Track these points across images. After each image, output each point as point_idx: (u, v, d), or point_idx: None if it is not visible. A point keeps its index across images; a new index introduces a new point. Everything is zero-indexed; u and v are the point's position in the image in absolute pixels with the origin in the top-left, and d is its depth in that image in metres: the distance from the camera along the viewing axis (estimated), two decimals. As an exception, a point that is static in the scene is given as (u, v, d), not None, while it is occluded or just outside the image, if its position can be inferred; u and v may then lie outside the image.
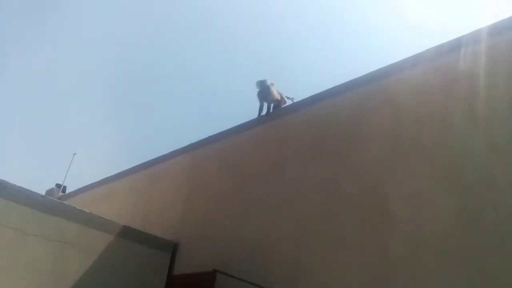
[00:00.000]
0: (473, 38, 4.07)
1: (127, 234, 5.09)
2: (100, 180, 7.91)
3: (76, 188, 8.51)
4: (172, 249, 5.40)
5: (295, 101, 5.78)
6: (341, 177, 4.33)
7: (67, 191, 8.93)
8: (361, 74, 4.72)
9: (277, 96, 5.67)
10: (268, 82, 5.75)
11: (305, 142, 4.87)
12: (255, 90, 5.81)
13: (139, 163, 7.50)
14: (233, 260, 4.61)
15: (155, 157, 7.28)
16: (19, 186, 4.40)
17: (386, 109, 4.34)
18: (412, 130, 4.09)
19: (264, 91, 5.68)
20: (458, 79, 3.99)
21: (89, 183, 8.15)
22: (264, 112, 5.71)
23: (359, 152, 4.33)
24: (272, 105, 5.69)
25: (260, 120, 5.71)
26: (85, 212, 4.78)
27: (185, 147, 6.76)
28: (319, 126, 4.85)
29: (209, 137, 6.31)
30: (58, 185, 8.84)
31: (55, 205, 4.73)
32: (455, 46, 4.12)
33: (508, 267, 3.07)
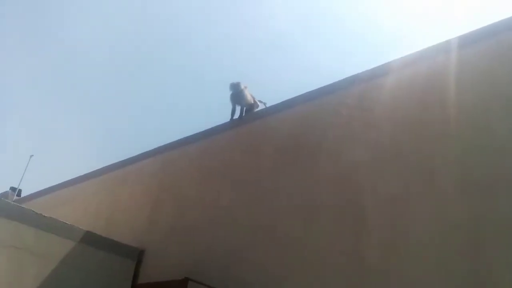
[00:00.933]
0: (445, 47, 4.13)
1: (90, 240, 4.81)
2: (60, 184, 7.52)
3: (33, 192, 8.06)
4: (137, 256, 5.15)
5: (267, 105, 5.70)
6: (317, 183, 4.25)
7: (23, 194, 8.46)
8: (336, 80, 4.68)
9: (251, 100, 5.56)
10: (242, 85, 5.63)
11: (280, 147, 4.77)
12: (226, 92, 5.69)
13: (103, 166, 7.21)
14: (205, 268, 4.43)
15: (120, 160, 7.01)
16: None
17: (362, 115, 4.31)
18: (388, 136, 4.08)
19: (237, 94, 5.55)
20: (434, 85, 4.01)
21: (48, 186, 7.72)
22: (236, 115, 5.58)
23: (335, 158, 4.27)
24: (244, 109, 5.58)
25: (232, 124, 5.57)
26: (44, 216, 4.48)
27: (153, 150, 6.52)
28: (294, 131, 4.76)
29: (179, 140, 6.11)
30: (12, 189, 8.37)
31: (11, 208, 4.40)
32: (430, 53, 4.16)
33: (485, 273, 3.06)
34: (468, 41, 4.01)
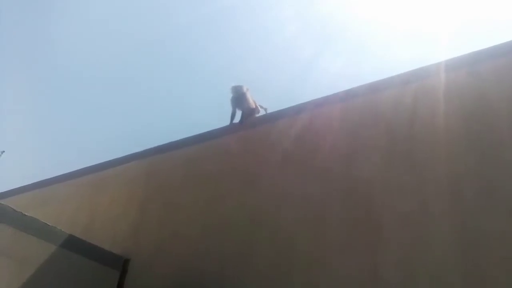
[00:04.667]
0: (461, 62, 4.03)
1: (72, 245, 4.35)
2: (35, 183, 6.94)
3: (2, 191, 7.41)
4: (122, 265, 4.70)
5: (268, 111, 5.45)
6: (328, 194, 3.99)
7: (-11, 193, 7.78)
8: (352, 87, 4.49)
9: (252, 104, 5.29)
10: (245, 88, 5.36)
11: (287, 154, 4.49)
12: (225, 95, 5.41)
13: (84, 166, 6.71)
14: (199, 279, 4.06)
15: (103, 161, 6.55)
16: None
17: (378, 125, 4.12)
18: (404, 148, 3.89)
19: (239, 97, 5.27)
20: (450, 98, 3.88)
21: (20, 185, 7.12)
22: (236, 120, 5.29)
23: (347, 169, 4.04)
24: (246, 113, 5.29)
25: (232, 128, 5.27)
26: (25, 215, 4.00)
27: (140, 152, 6.10)
28: (302, 138, 4.50)
29: (171, 143, 5.74)
30: (-22, 187, 7.67)
31: (-16, 204, 3.92)
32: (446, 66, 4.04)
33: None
34: (482, 57, 3.93)
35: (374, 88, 4.36)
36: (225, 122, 5.37)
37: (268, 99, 5.58)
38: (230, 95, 5.34)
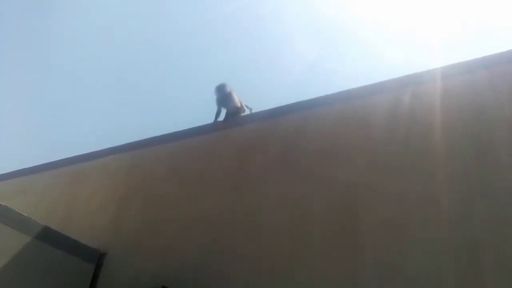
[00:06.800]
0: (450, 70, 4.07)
1: (46, 236, 4.25)
2: (13, 172, 6.81)
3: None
4: (97, 259, 4.62)
5: (253, 111, 5.43)
6: (310, 196, 3.98)
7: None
8: (338, 91, 4.50)
9: (238, 103, 5.27)
10: (228, 87, 5.34)
11: (269, 155, 4.48)
12: (209, 92, 5.38)
13: (62, 157, 6.60)
14: (177, 275, 4.02)
15: (82, 153, 6.45)
16: None
17: (361, 130, 4.13)
18: (387, 154, 3.91)
19: (224, 97, 5.25)
20: (437, 106, 3.91)
21: (-3, 173, 6.98)
22: (221, 118, 5.26)
23: (330, 172, 4.04)
24: (230, 112, 5.27)
25: (216, 126, 5.24)
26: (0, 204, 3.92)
27: (121, 145, 6.03)
28: (286, 139, 4.50)
29: (154, 137, 5.68)
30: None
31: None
32: (437, 74, 4.08)
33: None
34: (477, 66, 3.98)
35: (360, 93, 4.38)
36: (210, 119, 5.35)
37: (258, 100, 5.58)
38: (215, 96, 5.31)
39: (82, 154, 6.40)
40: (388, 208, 3.61)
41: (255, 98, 5.67)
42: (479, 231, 3.21)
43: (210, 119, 5.36)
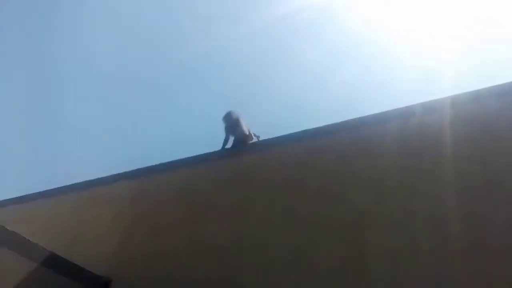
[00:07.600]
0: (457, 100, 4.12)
1: (51, 262, 4.22)
2: (19, 197, 6.80)
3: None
4: (102, 286, 4.57)
5: (260, 139, 5.47)
6: (316, 225, 3.97)
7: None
8: (343, 120, 4.55)
9: (246, 131, 5.31)
10: (236, 114, 5.38)
11: (276, 183, 4.49)
12: (217, 117, 5.43)
13: (67, 184, 6.60)
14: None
15: (87, 179, 6.45)
16: None
17: (368, 160, 4.15)
18: (394, 184, 3.91)
19: (233, 125, 5.29)
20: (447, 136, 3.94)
21: (3, 199, 6.96)
22: (229, 145, 5.29)
23: (336, 201, 4.04)
24: (238, 139, 5.30)
25: (223, 154, 5.26)
26: (6, 229, 3.90)
27: (128, 172, 6.05)
28: (292, 168, 4.52)
29: (161, 164, 5.70)
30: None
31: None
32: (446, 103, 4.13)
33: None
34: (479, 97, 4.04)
35: (369, 122, 4.43)
36: (218, 146, 5.38)
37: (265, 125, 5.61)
38: (223, 125, 5.35)
39: (88, 180, 6.40)
40: (396, 238, 3.59)
41: (261, 127, 5.69)
42: (491, 264, 3.18)
43: (218, 146, 5.39)
